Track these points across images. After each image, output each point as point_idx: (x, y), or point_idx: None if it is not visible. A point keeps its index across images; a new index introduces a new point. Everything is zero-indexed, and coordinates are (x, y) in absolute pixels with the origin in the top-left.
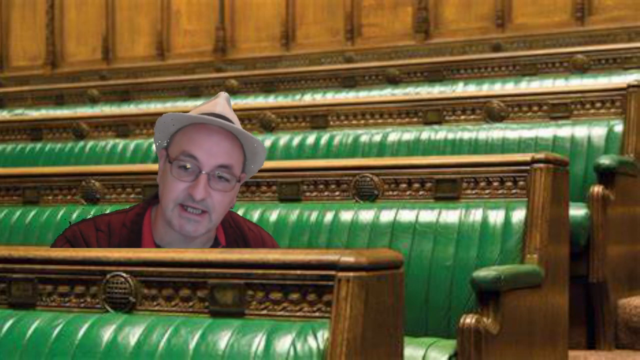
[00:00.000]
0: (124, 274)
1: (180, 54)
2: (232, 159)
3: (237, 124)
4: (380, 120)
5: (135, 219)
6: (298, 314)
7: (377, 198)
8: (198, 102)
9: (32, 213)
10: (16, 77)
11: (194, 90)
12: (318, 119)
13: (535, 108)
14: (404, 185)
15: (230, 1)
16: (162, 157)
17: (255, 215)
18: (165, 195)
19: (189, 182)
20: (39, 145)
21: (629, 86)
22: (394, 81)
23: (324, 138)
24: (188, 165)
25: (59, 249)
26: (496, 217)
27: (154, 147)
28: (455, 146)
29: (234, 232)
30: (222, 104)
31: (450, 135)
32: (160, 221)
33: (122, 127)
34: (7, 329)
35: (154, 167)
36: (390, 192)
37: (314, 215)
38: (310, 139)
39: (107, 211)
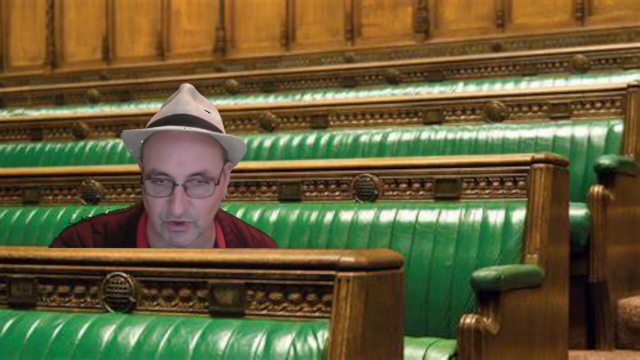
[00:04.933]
0: (124, 274)
1: (180, 54)
2: (205, 161)
3: (204, 116)
4: (380, 120)
5: (131, 220)
6: (298, 314)
7: (377, 198)
8: None
9: (32, 213)
10: (16, 77)
11: None
12: (318, 119)
13: (535, 108)
14: (404, 185)
15: (230, 1)
16: (140, 167)
17: (255, 215)
18: (149, 211)
19: (166, 197)
20: (39, 145)
21: (629, 86)
22: (394, 81)
23: (324, 138)
24: (161, 182)
25: (59, 249)
26: (496, 217)
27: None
28: (455, 146)
29: (235, 237)
30: (184, 100)
31: (450, 135)
32: (151, 228)
33: (122, 127)
34: (7, 329)
35: None
36: (390, 192)
37: (314, 215)
38: (310, 139)
39: (107, 211)
